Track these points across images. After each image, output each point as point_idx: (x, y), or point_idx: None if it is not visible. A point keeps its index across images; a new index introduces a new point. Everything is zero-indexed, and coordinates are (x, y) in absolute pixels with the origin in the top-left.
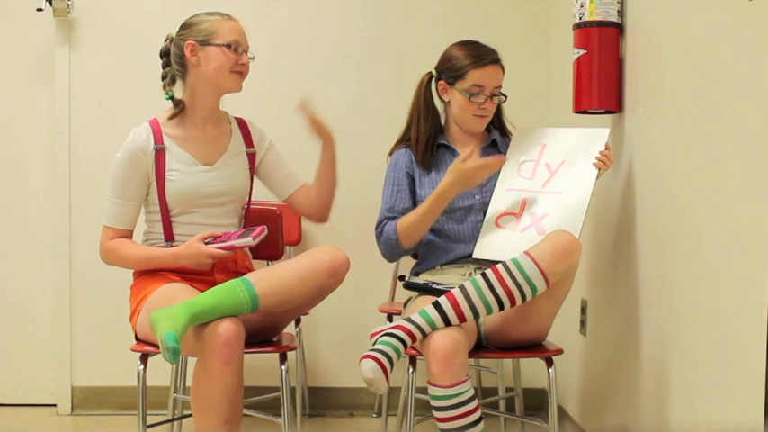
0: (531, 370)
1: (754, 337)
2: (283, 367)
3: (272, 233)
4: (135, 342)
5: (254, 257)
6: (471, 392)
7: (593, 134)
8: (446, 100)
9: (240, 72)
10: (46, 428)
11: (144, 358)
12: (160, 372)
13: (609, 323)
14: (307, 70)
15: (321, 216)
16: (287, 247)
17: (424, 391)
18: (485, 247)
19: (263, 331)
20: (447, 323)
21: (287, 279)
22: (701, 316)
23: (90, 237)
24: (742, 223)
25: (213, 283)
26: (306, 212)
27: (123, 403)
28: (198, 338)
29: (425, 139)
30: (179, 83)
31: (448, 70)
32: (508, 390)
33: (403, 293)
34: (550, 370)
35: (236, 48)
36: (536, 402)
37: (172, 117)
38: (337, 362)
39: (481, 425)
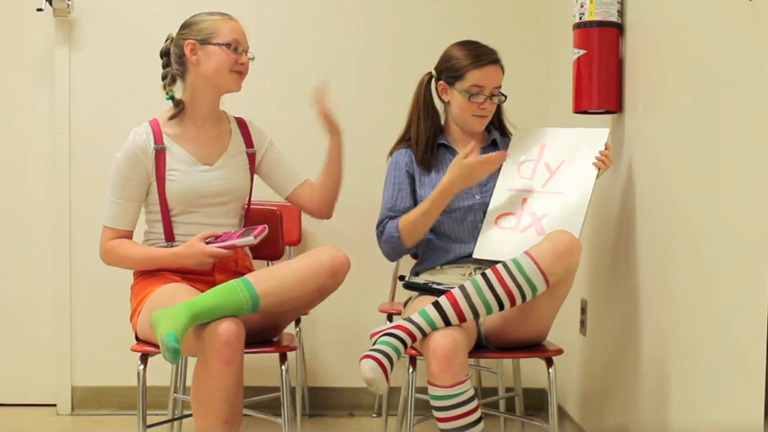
0: (531, 370)
1: (754, 337)
2: (283, 367)
3: (273, 233)
4: (135, 342)
5: (255, 257)
6: (471, 392)
7: (593, 134)
8: (446, 100)
9: (240, 72)
10: (46, 428)
11: (144, 358)
12: (160, 372)
13: (609, 323)
14: (307, 70)
15: (325, 211)
16: (287, 248)
17: (424, 391)
18: (485, 247)
19: (264, 331)
20: (447, 323)
21: (287, 279)
22: (701, 316)
23: (90, 237)
24: (742, 223)
25: (213, 284)
26: (309, 208)
27: (123, 403)
28: (198, 338)
29: (425, 139)
30: (179, 83)
31: (448, 70)
32: (508, 390)
33: (403, 293)
34: (550, 370)
35: (236, 47)
36: (536, 402)
37: (172, 117)
38: (337, 362)
39: (481, 425)
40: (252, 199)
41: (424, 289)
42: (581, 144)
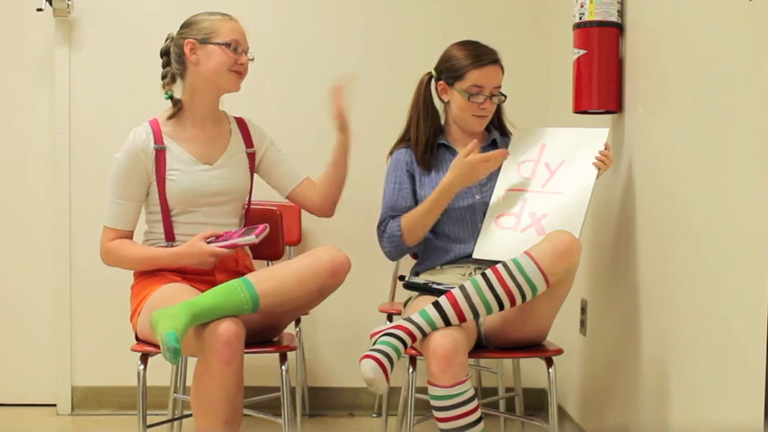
0: (531, 370)
1: (754, 337)
2: (283, 367)
3: (273, 233)
4: (135, 342)
5: (255, 257)
6: (471, 392)
7: (593, 134)
8: (446, 100)
9: (239, 72)
10: (46, 428)
11: (144, 358)
12: (160, 372)
13: (609, 323)
14: (307, 70)
15: (327, 209)
16: (287, 248)
17: (424, 391)
18: (484, 247)
19: (264, 331)
20: (447, 323)
21: (287, 279)
22: (701, 316)
23: (90, 237)
24: (742, 223)
25: (214, 284)
26: (310, 206)
27: (123, 403)
28: (198, 338)
29: (425, 139)
30: (179, 82)
31: (447, 70)
32: (508, 390)
33: (403, 293)
34: (550, 370)
35: (236, 47)
36: (536, 402)
37: (170, 117)
38: (337, 362)
39: (481, 425)
40: (252, 199)
41: (424, 289)
42: (581, 144)
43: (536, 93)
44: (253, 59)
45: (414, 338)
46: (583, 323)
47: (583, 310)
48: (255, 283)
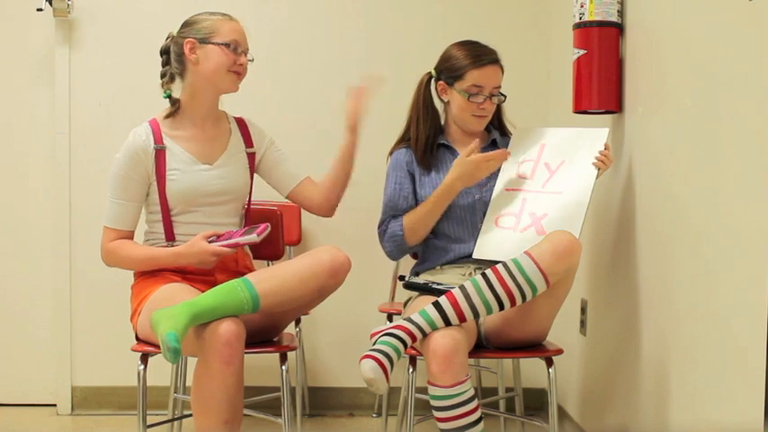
0: (531, 370)
1: (754, 337)
2: (283, 367)
3: (273, 233)
4: (135, 342)
5: (255, 257)
6: (471, 392)
7: (593, 134)
8: (445, 100)
9: (238, 72)
10: (46, 428)
11: (144, 358)
12: (160, 372)
13: (609, 323)
14: (307, 70)
15: (329, 209)
16: (287, 248)
17: (424, 391)
18: (484, 247)
19: (264, 331)
20: (447, 323)
21: (288, 279)
22: (701, 316)
23: (90, 237)
24: (742, 223)
25: (214, 284)
26: (310, 206)
27: (123, 403)
28: (199, 338)
29: (425, 139)
30: (178, 81)
31: (447, 70)
32: (508, 390)
33: (403, 293)
34: (550, 370)
35: (236, 48)
36: (536, 402)
37: (168, 116)
38: (337, 362)
39: (481, 425)
40: (252, 199)
41: (424, 289)
42: (581, 144)
43: (536, 93)
44: (252, 60)
45: (414, 338)
46: (583, 323)
47: (583, 310)
48: (256, 283)
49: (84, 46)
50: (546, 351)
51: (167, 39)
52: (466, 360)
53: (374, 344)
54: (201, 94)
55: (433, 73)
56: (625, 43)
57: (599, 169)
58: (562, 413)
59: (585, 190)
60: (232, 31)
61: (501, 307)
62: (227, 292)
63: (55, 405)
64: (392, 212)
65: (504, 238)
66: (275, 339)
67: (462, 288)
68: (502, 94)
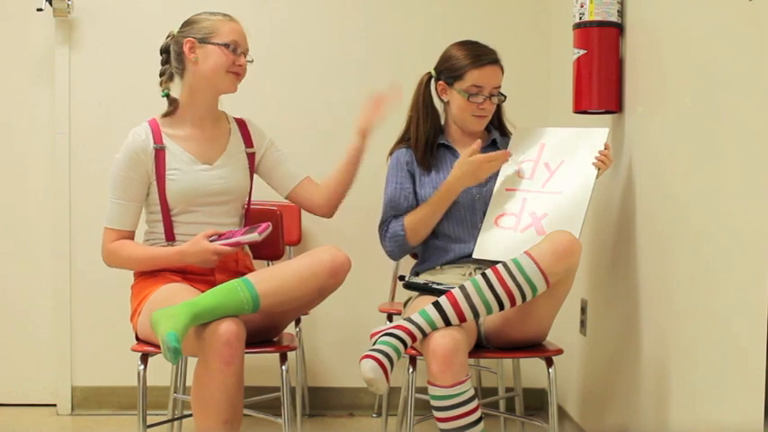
0: (531, 370)
1: (754, 337)
2: (283, 367)
3: (273, 233)
4: (135, 342)
5: (255, 257)
6: (471, 392)
7: (593, 134)
8: (445, 100)
9: (236, 73)
10: (46, 428)
11: (144, 358)
12: (160, 372)
13: (609, 323)
14: (307, 70)
15: (329, 209)
16: (287, 248)
17: (424, 391)
18: (484, 247)
19: (264, 331)
20: (447, 323)
21: (287, 279)
22: (701, 316)
23: (90, 237)
24: (742, 223)
25: (214, 284)
26: (310, 206)
27: (123, 403)
28: (199, 338)
29: (425, 139)
30: (177, 81)
31: (447, 70)
32: (508, 390)
33: (403, 293)
34: (550, 370)
35: (235, 48)
36: (536, 402)
37: (165, 115)
38: (337, 362)
39: (481, 425)
40: (252, 199)
41: (424, 289)
42: (581, 144)
43: (536, 93)
44: (252, 62)
45: (414, 338)
46: (583, 323)
47: (583, 310)
48: (256, 283)
49: (84, 46)
50: (546, 351)
51: (168, 37)
52: (466, 360)
53: (374, 344)
54: (200, 93)
55: (433, 73)
56: (625, 43)
57: (599, 169)
58: (562, 413)
59: (585, 190)
60: (232, 32)
61: (501, 307)
62: (228, 292)
63: (55, 405)
64: (393, 212)
65: (504, 238)
66: (275, 339)
67: (462, 288)
68: (502, 94)
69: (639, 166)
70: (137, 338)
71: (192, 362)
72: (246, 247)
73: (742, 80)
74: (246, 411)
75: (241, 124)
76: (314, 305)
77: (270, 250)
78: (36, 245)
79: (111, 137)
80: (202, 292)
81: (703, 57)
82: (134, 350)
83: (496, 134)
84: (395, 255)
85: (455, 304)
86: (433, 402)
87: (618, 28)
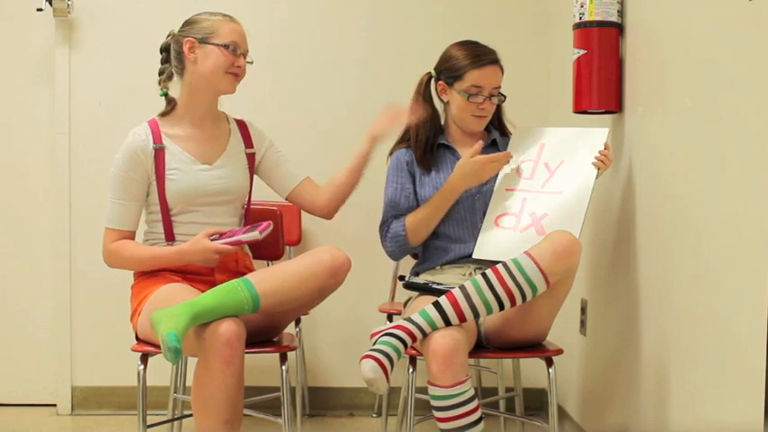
0: (531, 370)
1: (754, 337)
2: (283, 367)
3: (273, 233)
4: (135, 342)
5: (255, 257)
6: (471, 392)
7: (593, 134)
8: (445, 100)
9: (235, 74)
10: (46, 428)
11: (144, 358)
12: (160, 372)
13: (609, 323)
14: (307, 70)
15: (330, 211)
16: (287, 248)
17: (424, 391)
18: (484, 248)
19: (264, 331)
20: (447, 323)
21: (288, 279)
22: (701, 316)
23: (90, 237)
24: (742, 223)
25: (214, 284)
26: (310, 207)
27: (123, 403)
28: (199, 338)
29: (425, 140)
30: (176, 80)
31: (447, 71)
32: (508, 390)
33: (403, 293)
34: (550, 370)
35: (235, 49)
36: (536, 402)
37: (163, 114)
38: (337, 362)
39: (481, 425)
40: (252, 199)
41: (424, 289)
42: (580, 144)
43: (536, 93)
44: (251, 63)
45: (414, 338)
46: (583, 323)
47: (583, 310)
48: (256, 283)
49: (84, 46)
50: (546, 351)
51: (168, 36)
52: (466, 360)
53: (374, 344)
54: (199, 93)
55: (433, 73)
56: (625, 43)
57: (599, 169)
58: (562, 413)
59: (585, 190)
60: (232, 33)
61: (501, 307)
62: (228, 292)
63: (55, 405)
64: (394, 212)
65: (504, 238)
66: (275, 339)
67: (462, 288)
68: (502, 95)
69: (639, 166)
70: (137, 338)
71: (192, 362)
72: (246, 247)
73: (742, 80)
74: (246, 411)
75: (241, 125)
76: (314, 305)
77: (270, 250)
78: (36, 245)
79: (111, 137)
80: (202, 292)
81: (703, 57)
82: (134, 350)
83: (496, 134)
84: (395, 255)
85: (455, 304)
86: (433, 402)
87: (618, 28)
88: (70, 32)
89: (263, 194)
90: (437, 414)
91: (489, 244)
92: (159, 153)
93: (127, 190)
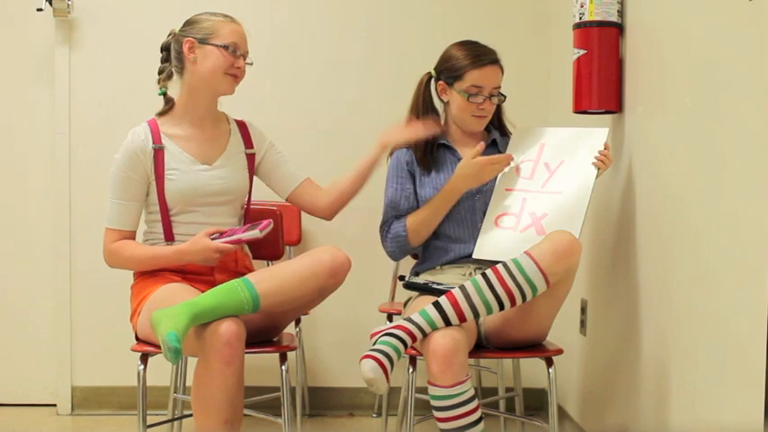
0: (531, 370)
1: (754, 337)
2: (283, 367)
3: (273, 233)
4: (135, 342)
5: (255, 257)
6: (471, 392)
7: (593, 134)
8: (445, 100)
9: (234, 75)
10: (46, 428)
11: (144, 358)
12: (160, 372)
13: (609, 323)
14: (307, 70)
15: (331, 212)
16: (287, 247)
17: (424, 391)
18: (484, 247)
19: (264, 331)
20: (447, 323)
21: (287, 279)
22: (701, 316)
23: (90, 237)
24: (742, 223)
25: (214, 284)
26: (310, 208)
27: (123, 403)
28: (199, 338)
29: (425, 140)
30: (176, 79)
31: (447, 71)
32: (508, 390)
33: (403, 293)
34: (550, 370)
35: (235, 50)
36: (536, 402)
37: (161, 114)
38: (337, 362)
39: (481, 425)
40: (252, 199)
41: (424, 289)
42: (580, 144)
43: (536, 93)
44: (251, 64)
45: (414, 338)
46: (583, 323)
47: (583, 310)
48: (256, 283)
49: (84, 46)
50: (546, 351)
51: (169, 35)
52: (466, 360)
53: (374, 344)
54: (198, 94)
55: (433, 73)
56: (625, 43)
57: (599, 169)
58: (562, 413)
59: (585, 190)
60: (232, 33)
61: (501, 307)
62: (228, 292)
63: (55, 405)
64: (394, 213)
65: (504, 238)
66: (275, 339)
67: (462, 288)
68: (502, 95)
69: (639, 166)
70: (137, 338)
71: (192, 362)
72: (246, 247)
73: (742, 80)
74: (246, 411)
75: (241, 126)
76: (314, 305)
77: (270, 250)
78: (36, 245)
79: (111, 137)
80: (202, 291)
81: (703, 57)
82: (134, 350)
83: (496, 134)
84: (396, 255)
85: (455, 304)
86: (433, 402)
87: (618, 28)
88: (70, 32)
89: (263, 194)
90: (437, 414)
91: (489, 244)
92: (159, 153)
93: (126, 190)
